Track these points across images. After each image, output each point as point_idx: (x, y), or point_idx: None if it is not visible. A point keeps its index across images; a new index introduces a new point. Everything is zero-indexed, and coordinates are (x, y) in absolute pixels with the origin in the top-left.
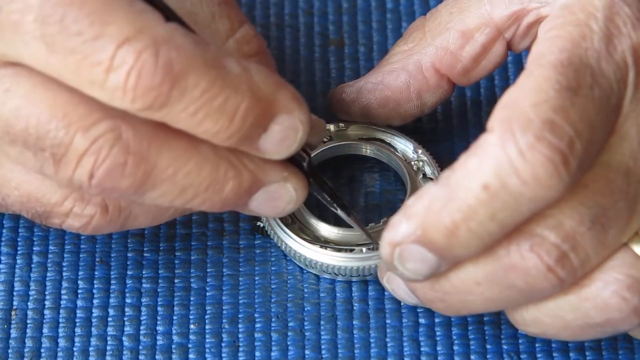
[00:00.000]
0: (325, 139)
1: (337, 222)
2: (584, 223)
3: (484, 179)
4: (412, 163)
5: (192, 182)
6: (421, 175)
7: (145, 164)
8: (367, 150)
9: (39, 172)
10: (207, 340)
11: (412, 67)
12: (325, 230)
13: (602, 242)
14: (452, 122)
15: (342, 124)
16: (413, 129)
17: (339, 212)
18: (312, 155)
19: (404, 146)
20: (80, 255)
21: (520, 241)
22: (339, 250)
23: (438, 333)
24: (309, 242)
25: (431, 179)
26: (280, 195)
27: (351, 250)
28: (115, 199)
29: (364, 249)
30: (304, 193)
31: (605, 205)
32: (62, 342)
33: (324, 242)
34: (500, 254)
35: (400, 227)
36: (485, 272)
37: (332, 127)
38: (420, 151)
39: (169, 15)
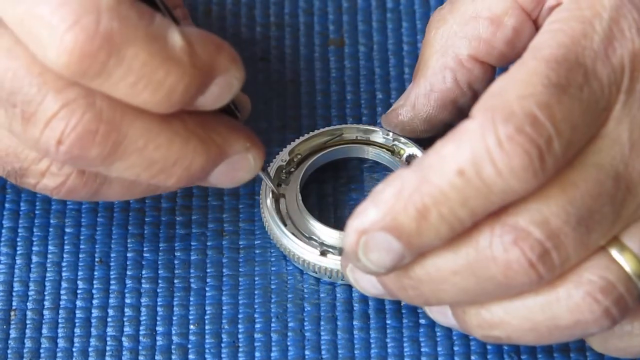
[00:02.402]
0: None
1: (337, 224)
2: (570, 223)
3: (460, 164)
4: None
5: (161, 156)
6: None
7: (116, 134)
8: (369, 152)
9: (8, 129)
10: (206, 341)
11: (453, 63)
12: (325, 233)
13: (584, 244)
14: (451, 122)
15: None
16: None
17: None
18: (313, 159)
19: (411, 150)
20: (80, 256)
21: (504, 233)
22: (339, 254)
23: (438, 333)
24: (307, 244)
25: None
26: (241, 166)
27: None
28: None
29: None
30: (262, 162)
31: (592, 207)
32: (61, 343)
33: (321, 244)
34: (481, 244)
35: (368, 214)
36: (464, 262)
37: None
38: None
39: None
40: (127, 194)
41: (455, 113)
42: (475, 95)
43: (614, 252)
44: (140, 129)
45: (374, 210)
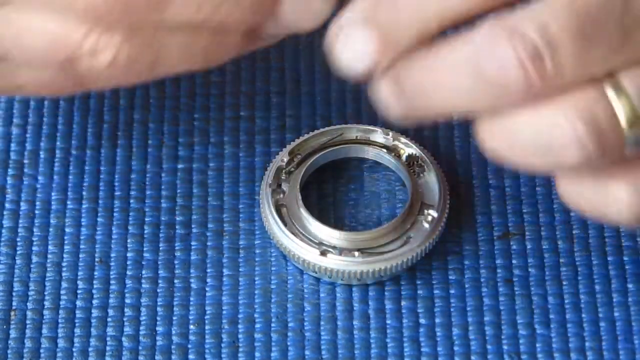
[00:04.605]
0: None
1: (337, 224)
2: (570, 31)
3: None
4: (415, 166)
5: None
6: (422, 177)
7: None
8: (369, 152)
9: None
10: (206, 341)
11: None
12: (325, 233)
13: (581, 60)
14: (452, 122)
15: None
16: (413, 128)
17: None
18: (312, 159)
19: (411, 150)
20: (80, 256)
21: (501, 30)
22: (339, 254)
23: (438, 334)
24: (307, 244)
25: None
26: None
27: (350, 254)
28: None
29: (357, 253)
30: None
31: (596, 19)
32: (61, 343)
33: (321, 244)
34: (479, 40)
35: (346, 13)
36: (461, 58)
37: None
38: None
39: None
40: (188, 58)
41: None
42: None
43: (610, 91)
44: None
45: (351, 10)
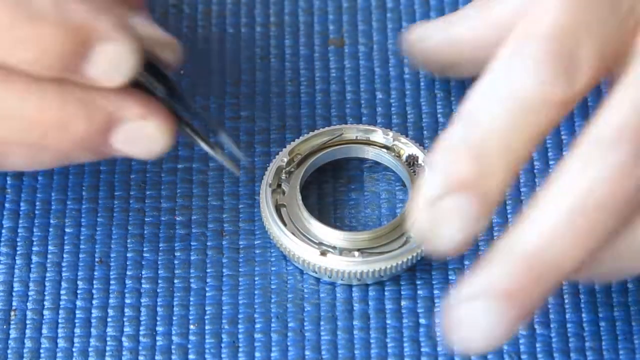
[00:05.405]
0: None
1: (337, 224)
2: None
3: (500, 96)
4: (415, 166)
5: (38, 120)
6: (422, 177)
7: None
8: (369, 152)
9: None
10: (206, 341)
11: None
12: (325, 233)
13: None
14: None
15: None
16: (413, 128)
17: (205, 147)
18: (312, 159)
19: (411, 150)
20: (80, 256)
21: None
22: (339, 254)
23: (438, 334)
24: (307, 244)
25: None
26: (141, 134)
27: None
28: None
29: (357, 253)
30: (171, 130)
31: None
32: (61, 343)
33: (321, 244)
34: None
35: (427, 184)
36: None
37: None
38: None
39: None
40: (34, 162)
41: None
42: None
43: None
44: (9, 94)
45: (431, 178)
